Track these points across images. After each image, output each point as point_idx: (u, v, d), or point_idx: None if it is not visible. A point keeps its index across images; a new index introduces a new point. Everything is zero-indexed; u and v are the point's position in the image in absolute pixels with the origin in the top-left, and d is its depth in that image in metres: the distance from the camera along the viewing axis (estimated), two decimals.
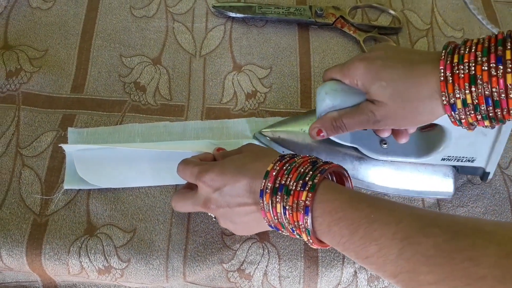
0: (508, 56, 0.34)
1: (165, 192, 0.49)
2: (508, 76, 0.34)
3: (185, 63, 0.58)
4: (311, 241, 0.37)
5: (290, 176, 0.38)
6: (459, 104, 0.36)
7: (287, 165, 0.39)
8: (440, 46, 0.61)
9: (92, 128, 0.52)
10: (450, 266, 0.29)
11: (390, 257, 0.32)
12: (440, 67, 0.36)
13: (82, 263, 0.45)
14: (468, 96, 0.36)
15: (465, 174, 0.51)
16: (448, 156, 0.47)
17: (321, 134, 0.44)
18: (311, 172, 0.37)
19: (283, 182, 0.38)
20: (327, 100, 0.42)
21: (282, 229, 0.39)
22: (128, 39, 0.58)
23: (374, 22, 0.64)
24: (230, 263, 0.46)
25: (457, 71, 0.36)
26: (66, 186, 0.48)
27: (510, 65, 0.34)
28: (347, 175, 0.41)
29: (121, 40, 0.58)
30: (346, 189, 0.38)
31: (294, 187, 0.37)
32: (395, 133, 0.45)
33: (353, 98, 0.41)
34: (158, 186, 0.49)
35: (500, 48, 0.34)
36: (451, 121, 0.38)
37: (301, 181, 0.37)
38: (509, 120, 0.37)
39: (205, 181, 0.41)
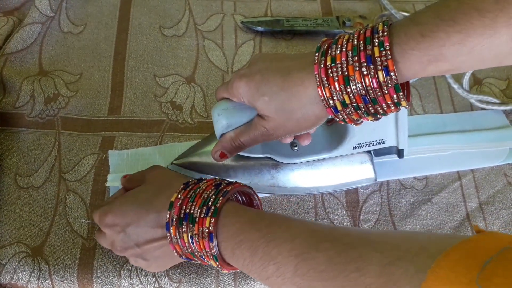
0: (376, 54, 0.33)
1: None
2: (380, 74, 0.33)
3: (218, 79, 0.58)
4: (220, 267, 0.37)
5: (194, 204, 0.37)
6: (338, 106, 0.36)
7: (191, 192, 0.38)
8: None
9: (132, 150, 0.52)
10: (341, 279, 0.30)
11: (287, 275, 0.32)
12: (315, 72, 0.35)
13: (134, 285, 0.45)
14: (346, 97, 0.35)
15: (382, 155, 0.51)
16: (358, 144, 0.48)
17: (224, 156, 0.43)
18: (213, 196, 0.37)
19: (188, 210, 0.37)
20: (221, 120, 0.41)
21: (194, 259, 0.39)
22: (161, 58, 0.59)
23: None
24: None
25: (331, 74, 0.35)
26: None
27: (379, 63, 0.33)
28: (253, 192, 0.41)
29: (154, 60, 0.59)
30: (248, 210, 0.38)
31: (198, 214, 0.36)
32: (296, 137, 0.44)
33: (245, 115, 0.41)
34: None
35: (369, 47, 0.34)
36: (337, 121, 0.38)
37: (205, 207, 0.37)
38: (391, 112, 0.36)
39: (107, 224, 0.40)
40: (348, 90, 0.35)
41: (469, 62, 0.33)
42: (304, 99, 0.37)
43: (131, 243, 0.39)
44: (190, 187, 0.39)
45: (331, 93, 0.35)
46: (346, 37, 0.36)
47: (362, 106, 0.35)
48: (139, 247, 0.40)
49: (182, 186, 0.39)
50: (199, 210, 0.37)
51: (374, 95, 0.34)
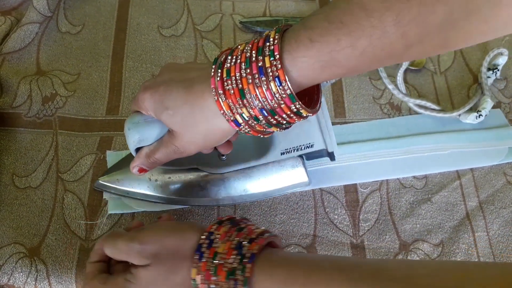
0: (267, 64, 0.32)
1: (209, 210, 0.49)
2: (272, 84, 0.32)
3: None
4: None
5: (218, 278, 0.35)
6: (239, 119, 0.34)
7: (210, 263, 0.35)
8: (469, 54, 0.62)
9: None
10: None
11: None
12: (212, 86, 0.34)
13: None
14: (244, 110, 0.33)
15: (314, 159, 0.50)
16: (286, 149, 0.47)
17: (144, 171, 0.41)
18: (240, 266, 0.35)
19: (213, 286, 0.35)
20: (133, 134, 0.39)
21: None
22: (159, 58, 0.59)
23: None
24: None
25: (227, 87, 0.33)
26: (110, 211, 0.48)
27: (271, 73, 0.32)
28: (277, 241, 0.39)
29: (152, 60, 0.58)
30: (279, 266, 0.35)
31: None
32: (217, 147, 0.42)
33: (156, 129, 0.39)
34: (201, 205, 0.49)
35: (260, 57, 0.32)
36: (242, 133, 0.37)
37: (232, 281, 0.34)
38: (298, 120, 0.35)
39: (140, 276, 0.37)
40: (245, 102, 0.33)
41: (364, 63, 0.32)
42: (206, 113, 0.35)
43: None
44: (206, 255, 0.36)
45: (229, 107, 0.34)
46: (242, 47, 0.34)
47: (261, 118, 0.34)
48: None
49: (196, 256, 0.36)
50: (225, 285, 0.35)
51: (270, 106, 0.33)
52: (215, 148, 0.42)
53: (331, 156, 0.47)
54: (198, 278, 0.36)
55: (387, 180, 0.52)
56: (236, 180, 0.48)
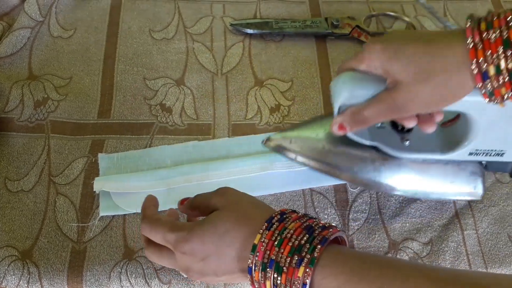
0: None
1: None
2: None
3: (208, 82, 0.58)
4: None
5: (281, 251, 0.33)
6: (491, 70, 0.33)
7: (277, 235, 0.34)
8: None
9: (122, 153, 0.52)
10: None
11: None
12: (467, 36, 0.33)
13: (124, 287, 0.45)
14: (502, 61, 0.32)
15: (494, 171, 0.48)
16: (476, 150, 0.44)
17: (343, 129, 0.41)
18: (308, 245, 0.32)
19: (273, 257, 0.33)
20: (344, 89, 0.39)
21: None
22: (150, 62, 0.59)
23: (389, 29, 0.64)
24: None
25: (487, 37, 0.32)
26: (102, 213, 0.48)
27: None
28: (345, 239, 0.36)
29: (143, 63, 0.59)
30: (349, 256, 0.33)
31: (287, 264, 0.32)
32: (421, 121, 0.41)
33: (372, 86, 0.38)
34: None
35: None
36: (482, 94, 0.35)
37: (296, 256, 0.32)
38: None
39: (185, 252, 0.36)
40: (508, 52, 0.32)
41: None
42: (450, 62, 0.34)
43: (210, 272, 0.36)
44: (275, 226, 0.34)
45: (484, 56, 0.33)
46: (501, 10, 0.34)
47: None
48: (217, 277, 0.36)
49: (265, 225, 0.34)
50: (288, 259, 0.32)
51: None
52: (405, 130, 0.42)
53: None
54: (260, 245, 0.34)
55: None
56: (410, 170, 0.46)
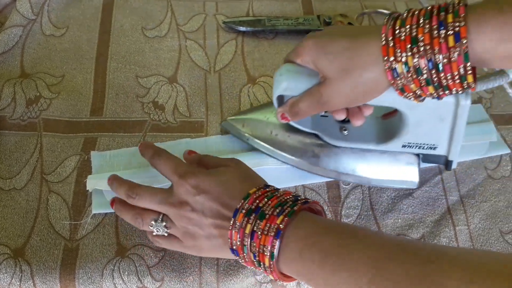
0: (449, 20, 0.33)
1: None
2: (450, 39, 0.33)
3: (201, 79, 0.58)
4: (272, 267, 0.37)
5: (269, 202, 0.38)
6: (399, 68, 0.35)
7: (269, 193, 0.39)
8: None
9: (115, 151, 0.52)
10: None
11: (361, 283, 0.32)
12: (382, 33, 0.36)
13: (116, 285, 0.45)
14: (410, 58, 0.34)
15: (429, 163, 0.50)
16: (409, 143, 0.47)
17: (286, 119, 0.45)
18: (291, 202, 0.38)
19: (260, 205, 0.38)
20: (282, 81, 0.42)
21: (243, 253, 0.38)
22: (143, 59, 0.59)
23: None
24: (263, 275, 0.46)
25: (399, 35, 0.35)
26: (94, 210, 0.48)
27: (451, 28, 0.33)
28: (323, 212, 0.41)
29: (136, 61, 0.59)
30: (323, 218, 0.39)
31: (270, 212, 0.37)
32: (350, 114, 0.44)
33: (305, 80, 0.41)
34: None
35: (442, 14, 0.34)
36: (395, 90, 0.37)
37: (279, 208, 0.37)
38: (455, 91, 0.36)
39: (190, 182, 0.41)
40: (415, 50, 0.34)
41: None
42: (366, 59, 0.36)
43: (200, 209, 0.40)
44: (270, 188, 0.40)
45: (394, 53, 0.35)
46: (419, 9, 0.36)
47: (425, 72, 0.34)
48: (205, 217, 0.40)
49: (263, 185, 0.40)
50: (272, 209, 0.37)
51: (440, 60, 0.34)
52: (345, 120, 0.45)
53: (449, 165, 0.48)
54: (253, 195, 0.39)
55: None
56: (348, 158, 0.49)
